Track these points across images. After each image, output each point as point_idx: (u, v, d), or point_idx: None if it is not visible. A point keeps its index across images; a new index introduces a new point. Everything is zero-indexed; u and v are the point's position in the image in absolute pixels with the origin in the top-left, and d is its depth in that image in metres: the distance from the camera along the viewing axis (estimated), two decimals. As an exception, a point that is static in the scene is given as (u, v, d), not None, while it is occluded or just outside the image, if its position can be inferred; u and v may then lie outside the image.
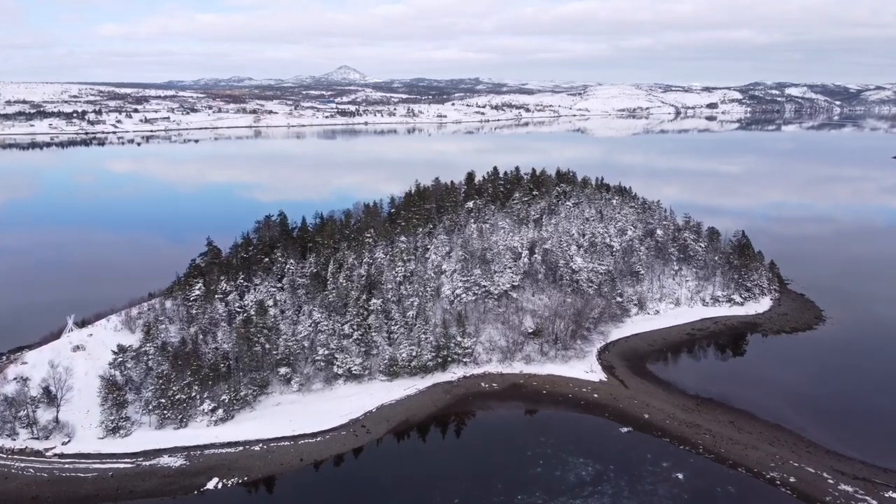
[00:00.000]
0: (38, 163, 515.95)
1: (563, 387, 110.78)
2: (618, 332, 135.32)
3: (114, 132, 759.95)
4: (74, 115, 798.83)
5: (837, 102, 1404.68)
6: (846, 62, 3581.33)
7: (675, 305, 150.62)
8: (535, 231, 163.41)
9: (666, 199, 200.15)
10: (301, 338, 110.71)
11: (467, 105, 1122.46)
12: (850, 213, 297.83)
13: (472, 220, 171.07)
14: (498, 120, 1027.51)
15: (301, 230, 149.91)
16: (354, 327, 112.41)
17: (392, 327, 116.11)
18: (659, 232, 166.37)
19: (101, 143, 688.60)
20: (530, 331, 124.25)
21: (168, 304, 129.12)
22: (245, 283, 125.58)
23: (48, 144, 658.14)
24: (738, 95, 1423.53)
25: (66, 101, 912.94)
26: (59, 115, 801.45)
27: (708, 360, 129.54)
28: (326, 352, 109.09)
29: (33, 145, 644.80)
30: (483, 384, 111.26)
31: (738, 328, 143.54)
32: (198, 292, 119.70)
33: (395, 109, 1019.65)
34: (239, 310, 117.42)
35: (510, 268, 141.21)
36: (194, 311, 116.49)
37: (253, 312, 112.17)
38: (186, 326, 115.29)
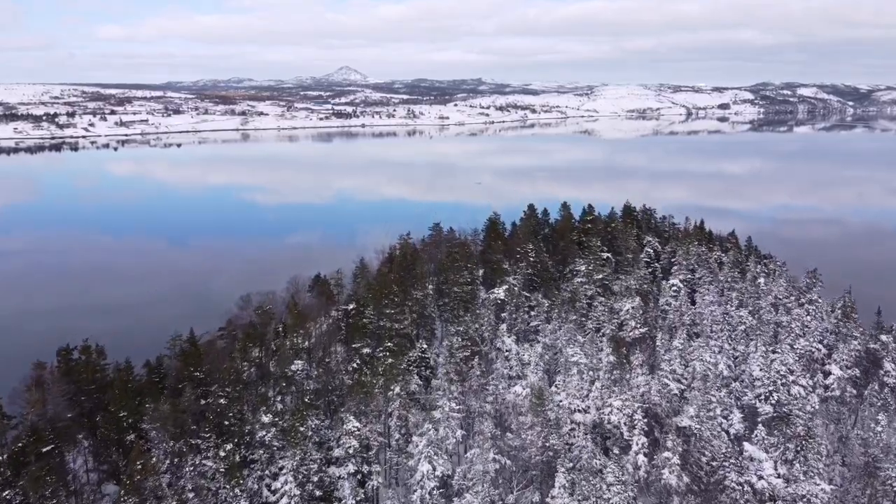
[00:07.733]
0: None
1: None
2: None
3: (84, 136, 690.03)
4: (44, 117, 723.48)
5: (850, 103, 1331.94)
6: (852, 63, 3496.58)
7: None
8: (643, 373, 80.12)
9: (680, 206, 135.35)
10: None
11: (470, 106, 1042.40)
12: None
13: (507, 332, 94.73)
14: (503, 122, 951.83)
15: (143, 386, 75.65)
16: None
17: None
18: (890, 367, 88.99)
19: (74, 148, 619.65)
20: None
21: None
22: None
23: (14, 150, 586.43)
24: (749, 96, 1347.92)
25: (43, 103, 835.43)
26: (27, 117, 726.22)
27: None
28: None
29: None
30: None
31: None
32: None
33: (394, 111, 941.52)
34: None
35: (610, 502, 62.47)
36: None
37: None
38: None
